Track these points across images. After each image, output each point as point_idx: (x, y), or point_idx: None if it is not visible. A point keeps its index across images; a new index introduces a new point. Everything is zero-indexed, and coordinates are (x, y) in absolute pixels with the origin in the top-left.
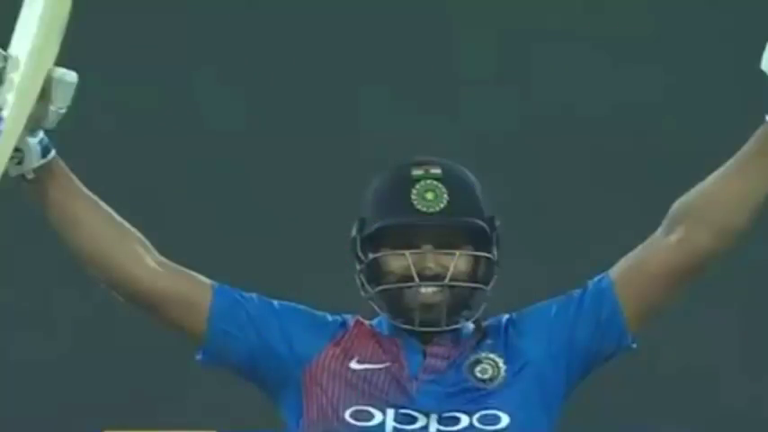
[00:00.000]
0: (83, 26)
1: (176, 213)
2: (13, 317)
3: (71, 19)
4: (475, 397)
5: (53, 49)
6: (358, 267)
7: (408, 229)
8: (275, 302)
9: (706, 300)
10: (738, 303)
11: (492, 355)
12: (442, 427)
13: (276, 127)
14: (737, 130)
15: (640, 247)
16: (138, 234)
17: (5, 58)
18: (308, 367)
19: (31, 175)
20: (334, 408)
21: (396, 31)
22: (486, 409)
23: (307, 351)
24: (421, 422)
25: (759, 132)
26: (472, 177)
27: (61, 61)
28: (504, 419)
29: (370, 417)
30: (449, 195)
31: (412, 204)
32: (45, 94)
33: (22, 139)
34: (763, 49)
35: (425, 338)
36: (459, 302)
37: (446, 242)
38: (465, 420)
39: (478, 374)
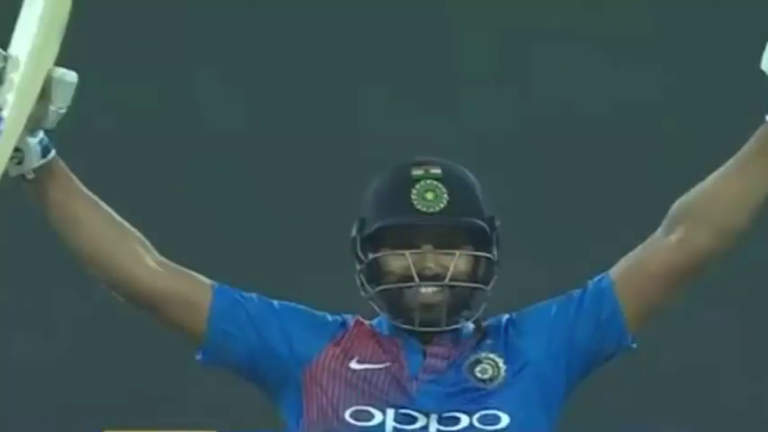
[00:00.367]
0: (83, 26)
1: (176, 213)
2: (13, 317)
3: (71, 19)
4: (475, 397)
5: (53, 49)
6: (358, 267)
7: (408, 229)
8: (275, 302)
9: (706, 300)
10: (738, 303)
11: (492, 355)
12: (442, 427)
13: (276, 127)
14: (737, 130)
15: (640, 247)
16: (138, 234)
17: (5, 58)
18: (307, 367)
19: (31, 175)
20: (334, 408)
21: (396, 31)
22: (486, 409)
23: (307, 351)
24: (421, 422)
25: (759, 132)
26: (472, 177)
27: (61, 61)
28: (504, 419)
29: (370, 417)
30: (449, 195)
31: (412, 204)
32: (45, 94)
33: (22, 139)
34: (763, 49)
35: (425, 338)
36: (459, 302)
37: (446, 242)
38: (465, 420)
39: (478, 374)
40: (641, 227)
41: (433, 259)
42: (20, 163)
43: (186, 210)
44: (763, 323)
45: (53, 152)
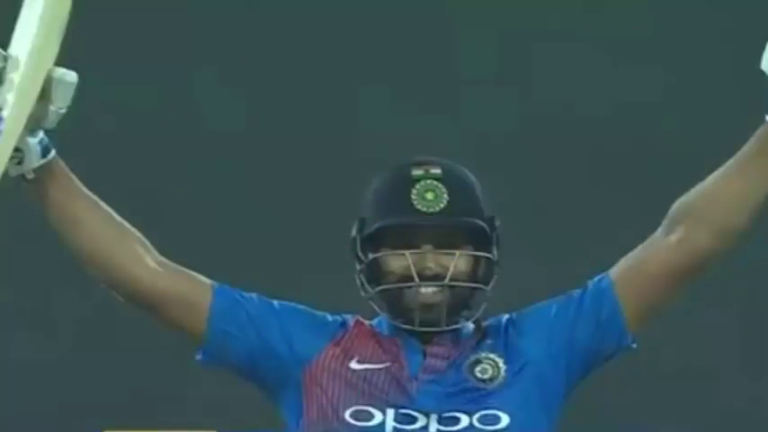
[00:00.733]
0: (83, 26)
1: (176, 213)
2: (13, 317)
3: (71, 19)
4: (475, 397)
5: (53, 49)
6: (358, 267)
7: (408, 229)
8: (275, 302)
9: (706, 300)
10: (738, 303)
11: (492, 355)
12: (441, 427)
13: (276, 127)
14: (737, 130)
15: (640, 247)
16: (138, 234)
17: (5, 58)
18: (307, 367)
19: (31, 175)
20: (334, 408)
21: (396, 31)
22: (486, 409)
23: (307, 351)
24: (421, 422)
25: (759, 132)
26: (472, 177)
27: (61, 61)
28: (504, 419)
29: (370, 417)
30: (449, 195)
31: (412, 204)
32: (45, 94)
33: (22, 139)
34: (763, 49)
35: (425, 338)
36: (459, 302)
37: (446, 242)
38: (465, 420)
39: (478, 374)
40: (641, 227)
41: (433, 259)
42: (20, 163)
43: (186, 210)
44: (763, 323)
45: (53, 152)
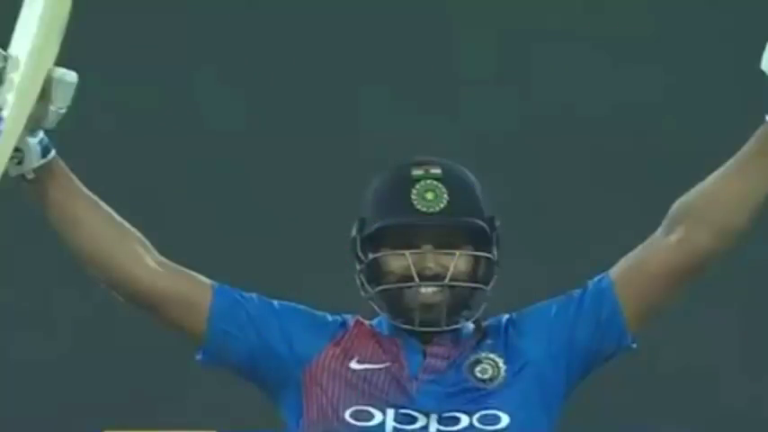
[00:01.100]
0: (83, 26)
1: (176, 213)
2: (13, 317)
3: (71, 19)
4: (475, 397)
5: (53, 49)
6: (358, 267)
7: (408, 229)
8: (275, 302)
9: (706, 300)
10: (738, 303)
11: (492, 355)
12: (442, 427)
13: (276, 127)
14: (737, 130)
15: (640, 247)
16: (138, 234)
17: (5, 58)
18: (307, 367)
19: (31, 175)
20: (334, 408)
21: (396, 31)
22: (486, 409)
23: (307, 351)
24: (421, 422)
25: (759, 132)
26: (472, 177)
27: (61, 61)
28: (504, 419)
29: (370, 417)
30: (449, 195)
31: (412, 204)
32: (45, 94)
33: (22, 139)
34: (763, 49)
35: (425, 338)
36: (459, 302)
37: (446, 242)
38: (465, 420)
39: (478, 374)
40: (641, 227)
41: (433, 259)
42: (20, 163)
43: (186, 210)
44: (763, 323)
45: (53, 152)
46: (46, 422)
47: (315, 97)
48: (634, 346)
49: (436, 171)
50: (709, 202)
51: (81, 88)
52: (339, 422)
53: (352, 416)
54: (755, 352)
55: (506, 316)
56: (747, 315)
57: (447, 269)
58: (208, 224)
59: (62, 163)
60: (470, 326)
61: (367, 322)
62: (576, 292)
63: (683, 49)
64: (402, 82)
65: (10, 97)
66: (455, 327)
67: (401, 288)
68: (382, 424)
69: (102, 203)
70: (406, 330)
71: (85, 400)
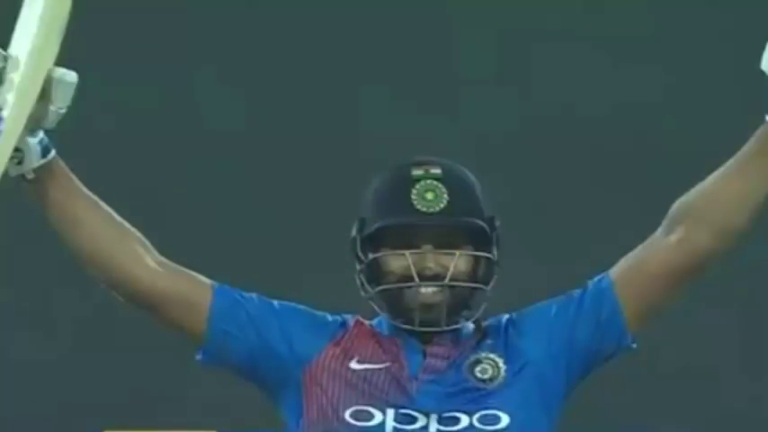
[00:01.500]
0: (83, 26)
1: (176, 213)
2: (13, 317)
3: (71, 19)
4: (475, 397)
5: (53, 49)
6: (358, 267)
7: (408, 229)
8: (275, 302)
9: (706, 300)
10: (738, 303)
11: (492, 355)
12: (441, 427)
13: (276, 127)
14: (737, 130)
15: (640, 247)
16: (138, 234)
17: (5, 58)
18: (307, 367)
19: (31, 175)
20: (334, 408)
21: (396, 31)
22: (486, 409)
23: (307, 351)
24: (421, 422)
25: (759, 132)
26: (472, 177)
27: (61, 61)
28: (504, 419)
29: (370, 417)
30: (449, 195)
31: (412, 204)
32: (45, 94)
33: (22, 139)
34: (763, 49)
35: (425, 338)
36: (459, 302)
37: (446, 242)
38: (465, 420)
39: (478, 374)
40: (641, 227)
41: (433, 259)
42: (20, 163)
43: (186, 210)
44: (763, 323)
45: (53, 152)
46: (46, 422)
47: (315, 97)
48: (634, 346)
49: (436, 171)
50: (709, 202)
51: (81, 88)
52: (339, 422)
53: (352, 416)
54: (755, 352)
55: (506, 316)
56: (747, 315)
57: (447, 269)
58: (208, 224)
59: (62, 163)
60: (470, 326)
61: (367, 322)
62: (576, 292)
63: (683, 49)
64: (402, 82)
65: (10, 97)
66: (455, 327)
67: (401, 288)
68: (382, 424)
69: (102, 203)
70: (406, 330)
71: (85, 400)
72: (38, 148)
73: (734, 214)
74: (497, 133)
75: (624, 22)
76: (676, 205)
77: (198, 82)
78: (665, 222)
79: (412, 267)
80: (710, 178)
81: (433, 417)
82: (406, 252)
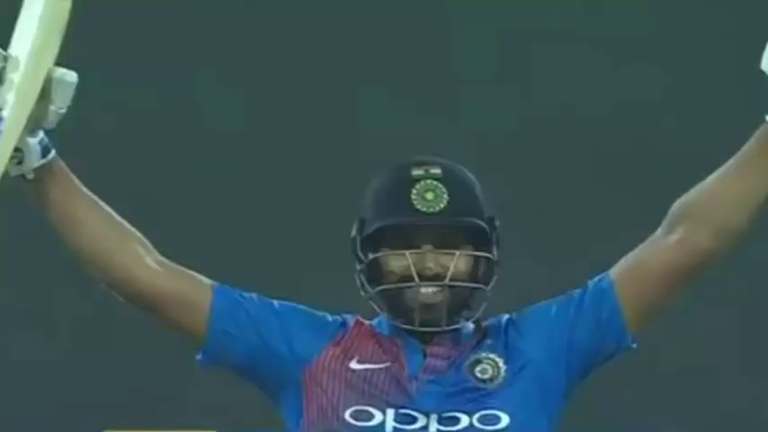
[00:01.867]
0: (83, 26)
1: (176, 213)
2: (13, 317)
3: (71, 19)
4: (475, 397)
5: (53, 49)
6: (358, 267)
7: (408, 229)
8: (275, 302)
9: (706, 300)
10: (738, 303)
11: (492, 355)
12: (441, 427)
13: (276, 127)
14: (737, 130)
15: (640, 246)
16: (138, 234)
17: (5, 58)
18: (307, 367)
19: (31, 175)
20: (334, 408)
21: (396, 31)
22: (486, 409)
23: (307, 351)
24: (421, 422)
25: (759, 132)
26: (472, 177)
27: (61, 61)
28: (504, 419)
29: (370, 417)
30: (449, 195)
31: (412, 204)
32: (45, 94)
33: (22, 139)
34: (763, 49)
35: (425, 338)
36: (459, 302)
37: (446, 242)
38: (465, 420)
39: (478, 374)
40: (641, 227)
41: (433, 259)
42: (20, 163)
43: (186, 210)
44: (763, 323)
45: (53, 152)
46: (46, 422)
47: (315, 97)
48: (634, 346)
49: (436, 171)
50: (709, 202)
51: (81, 88)
52: (339, 422)
53: (352, 416)
54: (755, 352)
55: (506, 316)
56: (747, 315)
57: (447, 269)
58: (208, 224)
59: (62, 163)
60: (470, 326)
61: (367, 322)
62: (576, 292)
63: (683, 49)
64: (402, 82)
65: (10, 97)
66: (455, 327)
67: (401, 288)
68: (382, 424)
69: (102, 203)
70: (406, 330)
71: (85, 400)
72: (38, 148)
73: (734, 214)
74: (497, 133)
75: (624, 22)
76: (676, 205)
77: (198, 82)
78: (665, 222)
79: (412, 267)
80: (710, 178)
81: (433, 417)
82: (406, 252)
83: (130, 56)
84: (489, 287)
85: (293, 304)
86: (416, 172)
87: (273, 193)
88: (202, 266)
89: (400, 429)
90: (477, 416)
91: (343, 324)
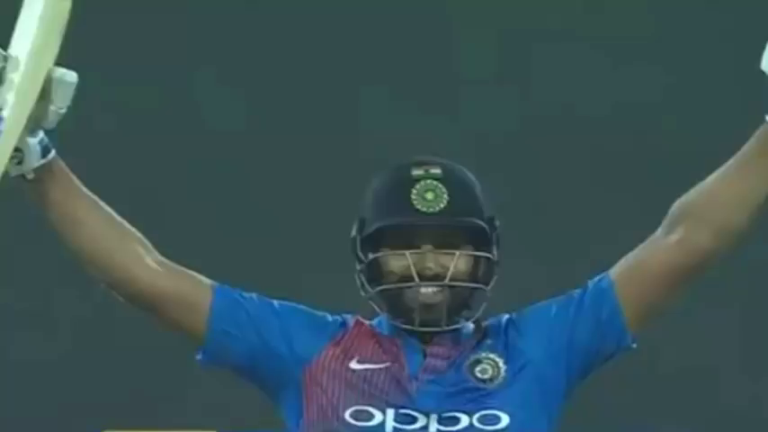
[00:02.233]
0: (83, 26)
1: (176, 213)
2: (13, 317)
3: (71, 19)
4: (475, 397)
5: (53, 49)
6: (358, 267)
7: (408, 229)
8: (275, 302)
9: (706, 300)
10: (738, 303)
11: (492, 355)
12: (441, 427)
13: (276, 127)
14: (737, 130)
15: (640, 246)
16: (138, 234)
17: (5, 58)
18: (307, 367)
19: (31, 175)
20: (334, 408)
21: (396, 31)
22: (486, 409)
23: (307, 351)
24: (421, 422)
25: (759, 132)
26: (472, 177)
27: (61, 61)
28: (504, 419)
29: (370, 417)
30: (449, 195)
31: (412, 204)
32: (45, 94)
33: (22, 139)
34: (763, 49)
35: (425, 338)
36: (460, 302)
37: (446, 242)
38: (465, 420)
39: (478, 374)
40: (641, 227)
41: (433, 259)
42: (20, 163)
43: (186, 210)
44: (763, 323)
45: (53, 152)
46: (46, 422)
47: (315, 97)
48: (634, 346)
49: (436, 171)
50: (709, 202)
51: (81, 88)
52: (339, 422)
53: (352, 416)
54: (755, 352)
55: (506, 316)
56: (747, 315)
57: (447, 269)
58: (208, 224)
59: (62, 163)
60: (470, 326)
61: (367, 322)
62: (576, 292)
63: (683, 49)
64: (402, 82)
65: (10, 97)
66: (455, 327)
67: (401, 288)
68: (382, 424)
69: (102, 203)
70: (406, 330)
71: (85, 400)
72: (38, 148)
73: (734, 214)
74: (497, 133)
75: (624, 22)
76: (676, 205)
77: (198, 82)
78: (665, 222)
79: (412, 267)
80: (710, 178)
81: (433, 417)
82: (406, 252)
83: (130, 56)
84: (489, 287)
85: (293, 304)
86: (416, 172)
87: (273, 193)
88: (202, 266)
89: (400, 429)
90: (477, 416)
91: (343, 324)
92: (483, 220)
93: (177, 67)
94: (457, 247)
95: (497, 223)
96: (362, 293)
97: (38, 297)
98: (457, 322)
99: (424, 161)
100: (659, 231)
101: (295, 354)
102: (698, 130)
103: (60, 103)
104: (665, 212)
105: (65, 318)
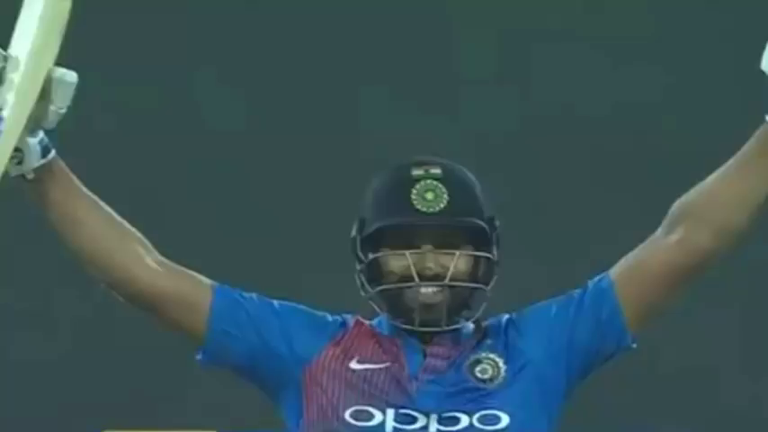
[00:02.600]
0: (83, 26)
1: (176, 213)
2: (13, 317)
3: (71, 19)
4: (475, 397)
5: (53, 49)
6: (358, 267)
7: (408, 229)
8: (275, 302)
9: (706, 300)
10: (738, 303)
11: (492, 355)
12: (441, 427)
13: (276, 127)
14: (737, 130)
15: (640, 246)
16: (139, 234)
17: (5, 58)
18: (307, 367)
19: (31, 175)
20: (334, 408)
21: (396, 31)
22: (486, 409)
23: (307, 351)
24: (421, 422)
25: (759, 132)
26: (472, 177)
27: (61, 61)
28: (504, 419)
29: (370, 417)
30: (449, 195)
31: (412, 204)
32: (45, 94)
33: (22, 139)
34: (763, 49)
35: (425, 338)
36: (460, 302)
37: (446, 242)
38: (465, 420)
39: (478, 374)
40: (641, 227)
41: (433, 259)
42: (20, 163)
43: (186, 210)
44: (763, 323)
45: (53, 152)
46: (46, 422)
47: (315, 97)
48: (634, 346)
49: (436, 171)
50: (709, 202)
51: (81, 88)
52: (339, 422)
53: (352, 416)
54: (755, 352)
55: (506, 316)
56: (747, 315)
57: (447, 269)
58: (208, 224)
59: (62, 163)
60: (470, 326)
61: (367, 322)
62: (576, 292)
63: (683, 49)
64: (402, 82)
65: (10, 97)
66: (455, 327)
67: (401, 288)
68: (382, 424)
69: (102, 203)
70: (406, 330)
71: (85, 400)
72: (38, 148)
73: (734, 214)
74: (497, 133)
75: (624, 22)
76: (676, 205)
77: (198, 82)
78: (665, 222)
79: (412, 267)
80: (710, 178)
81: (433, 417)
82: (406, 252)
83: (130, 56)
84: (489, 287)
85: (293, 304)
86: (416, 172)
87: (273, 193)
88: (202, 266)
89: (400, 429)
90: (477, 416)
91: (343, 324)
92: (483, 220)
93: (177, 67)
94: (457, 247)
95: (497, 223)
96: (362, 293)
97: (38, 297)
98: (457, 322)
99: (424, 161)
100: (659, 231)
101: (295, 354)
102: (698, 130)
103: (60, 103)
104: (665, 212)
105: (65, 318)
